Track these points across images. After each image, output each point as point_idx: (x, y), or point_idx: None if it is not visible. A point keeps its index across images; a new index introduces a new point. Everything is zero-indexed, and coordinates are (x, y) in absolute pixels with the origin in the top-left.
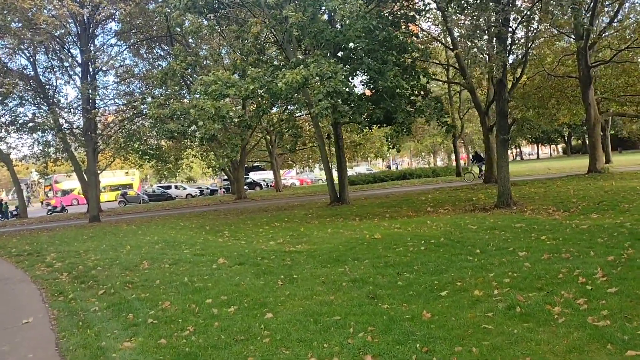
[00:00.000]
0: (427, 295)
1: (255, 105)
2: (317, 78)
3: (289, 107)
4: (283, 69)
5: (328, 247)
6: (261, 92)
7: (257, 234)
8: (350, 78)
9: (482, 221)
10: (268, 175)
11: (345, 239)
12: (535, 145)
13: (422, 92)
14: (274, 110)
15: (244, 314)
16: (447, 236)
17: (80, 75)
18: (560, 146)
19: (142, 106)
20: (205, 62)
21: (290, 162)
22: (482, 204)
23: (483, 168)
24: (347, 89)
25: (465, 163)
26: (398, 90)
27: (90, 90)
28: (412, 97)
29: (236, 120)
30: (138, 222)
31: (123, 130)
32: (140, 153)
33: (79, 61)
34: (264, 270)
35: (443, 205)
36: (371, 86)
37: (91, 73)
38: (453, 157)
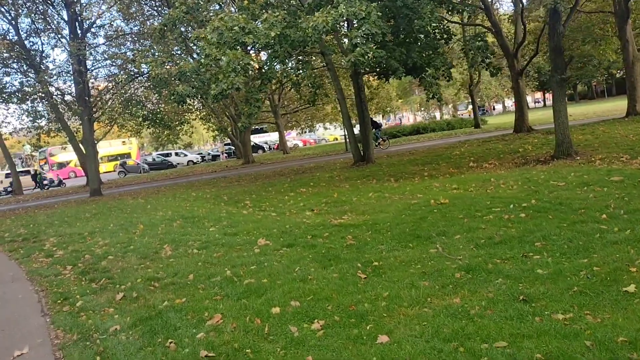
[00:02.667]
0: (608, 294)
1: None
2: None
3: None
4: (303, 12)
5: (385, 217)
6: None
7: (284, 203)
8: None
9: (559, 176)
10: (270, 137)
11: (402, 206)
12: (539, 93)
13: (445, 35)
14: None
15: (342, 336)
16: (536, 197)
17: (68, 37)
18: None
19: (142, 66)
20: (207, 9)
21: (294, 122)
22: (533, 155)
23: (379, 135)
24: (382, 32)
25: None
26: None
27: (80, 49)
28: (437, 41)
29: (255, 73)
30: (144, 194)
31: (118, 96)
32: (140, 119)
33: (66, 18)
34: (325, 254)
35: (486, 159)
36: (402, 28)
37: (80, 33)
38: (461, 109)
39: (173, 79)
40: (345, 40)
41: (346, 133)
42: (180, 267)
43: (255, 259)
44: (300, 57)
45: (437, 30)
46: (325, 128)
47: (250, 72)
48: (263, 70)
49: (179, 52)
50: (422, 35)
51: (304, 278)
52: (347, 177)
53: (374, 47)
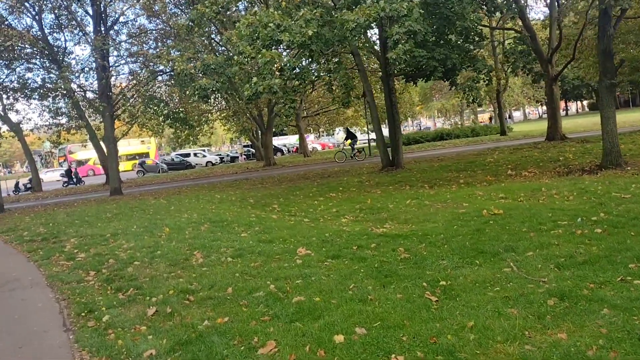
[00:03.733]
0: None
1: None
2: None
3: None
4: (337, 11)
5: (435, 227)
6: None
7: (315, 209)
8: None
9: (617, 187)
10: (288, 140)
11: (450, 215)
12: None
13: (477, 39)
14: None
15: None
16: (603, 210)
17: (92, 33)
18: (585, 102)
19: (167, 62)
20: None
21: (314, 125)
22: (576, 164)
23: (355, 146)
24: (424, 30)
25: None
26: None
27: (105, 43)
28: (469, 44)
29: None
30: (165, 194)
31: (140, 94)
32: (163, 117)
33: (91, 13)
34: (379, 269)
35: (525, 168)
36: (436, 28)
37: (103, 29)
38: (481, 116)
39: (198, 73)
40: (377, 40)
41: (375, 137)
42: (215, 278)
43: (299, 271)
44: (328, 58)
45: (472, 33)
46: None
47: (287, 72)
48: (297, 70)
49: (203, 51)
50: (459, 37)
51: (363, 298)
52: (377, 183)
53: (414, 46)
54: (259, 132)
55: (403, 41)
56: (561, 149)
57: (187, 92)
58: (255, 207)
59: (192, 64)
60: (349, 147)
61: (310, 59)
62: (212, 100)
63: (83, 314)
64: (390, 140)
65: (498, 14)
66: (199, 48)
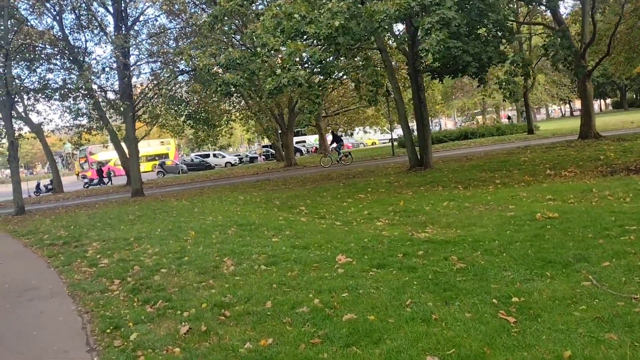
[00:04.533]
0: None
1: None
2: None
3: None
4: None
5: (485, 232)
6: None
7: (345, 211)
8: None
9: None
10: (307, 140)
11: (498, 219)
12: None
13: (507, 33)
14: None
15: None
16: None
17: (112, 33)
18: (609, 100)
19: (190, 58)
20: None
21: (334, 124)
22: (619, 163)
23: (342, 150)
24: (458, 18)
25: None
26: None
27: (126, 41)
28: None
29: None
30: (187, 195)
31: (162, 94)
32: (184, 117)
33: (112, 10)
34: (434, 281)
35: (564, 167)
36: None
37: (124, 28)
38: (503, 113)
39: (221, 68)
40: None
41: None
42: (251, 290)
43: (343, 282)
44: (354, 54)
45: (503, 27)
46: (365, 132)
47: (312, 65)
48: (323, 64)
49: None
50: (490, 31)
51: (426, 317)
52: (407, 183)
53: (448, 36)
54: (279, 132)
55: (436, 30)
56: (597, 147)
57: (210, 88)
58: (281, 209)
59: (214, 60)
60: (335, 151)
61: (337, 54)
62: (234, 98)
63: (108, 331)
64: (418, 139)
65: (524, 9)
66: (221, 45)
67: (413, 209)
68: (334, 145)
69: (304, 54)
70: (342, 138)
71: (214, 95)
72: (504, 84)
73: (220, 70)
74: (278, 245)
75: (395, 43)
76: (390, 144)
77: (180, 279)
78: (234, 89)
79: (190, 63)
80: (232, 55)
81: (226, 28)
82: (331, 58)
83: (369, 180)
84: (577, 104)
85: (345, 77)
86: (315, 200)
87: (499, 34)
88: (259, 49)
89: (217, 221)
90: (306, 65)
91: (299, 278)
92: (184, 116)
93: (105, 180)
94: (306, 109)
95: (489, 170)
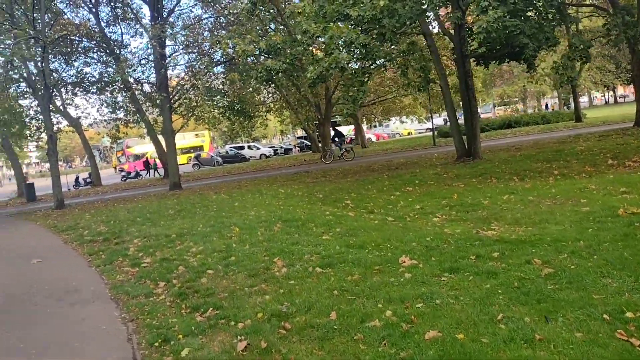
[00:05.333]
0: None
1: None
2: None
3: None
4: None
5: (563, 230)
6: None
7: (394, 205)
8: None
9: None
10: (344, 130)
11: (574, 215)
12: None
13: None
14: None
15: None
16: None
17: (148, 23)
18: None
19: (227, 45)
20: None
21: (371, 115)
22: None
23: (343, 145)
24: None
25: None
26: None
27: (163, 31)
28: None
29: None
30: (225, 188)
31: (199, 86)
32: (223, 109)
33: (147, 0)
34: (521, 289)
35: (627, 157)
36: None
37: (160, 19)
38: (545, 101)
39: (262, 54)
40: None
41: (450, 124)
42: (310, 297)
43: (414, 289)
44: (399, 39)
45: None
46: (402, 122)
47: (356, 49)
48: (370, 49)
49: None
50: (541, 13)
51: (526, 336)
52: (457, 175)
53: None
54: (315, 123)
55: (494, 8)
56: None
57: (250, 76)
58: (325, 202)
59: (253, 46)
60: (337, 146)
61: (382, 38)
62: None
63: (157, 344)
64: (465, 128)
65: None
66: (259, 33)
67: (470, 203)
68: (336, 140)
69: (347, 37)
70: (343, 133)
71: (249, 87)
72: (560, 69)
73: (260, 58)
74: (330, 243)
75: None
76: (427, 133)
77: (229, 281)
78: (275, 76)
79: (230, 51)
80: (273, 40)
81: (264, 14)
82: (376, 42)
83: (414, 171)
84: (621, 90)
85: (388, 63)
86: (360, 193)
87: (549, 16)
88: (299, 37)
89: (261, 216)
90: (350, 50)
91: (361, 283)
92: (221, 108)
93: (151, 172)
94: (350, 97)
95: (544, 161)
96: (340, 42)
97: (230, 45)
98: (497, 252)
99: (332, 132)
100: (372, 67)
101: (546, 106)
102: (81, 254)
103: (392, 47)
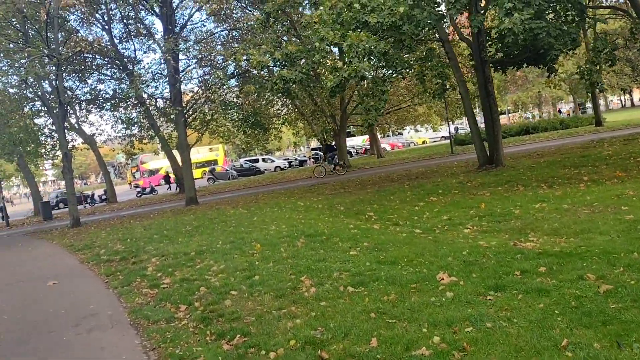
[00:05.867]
0: None
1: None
2: None
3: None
4: None
5: (609, 242)
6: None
7: (420, 216)
8: None
9: None
10: (354, 141)
11: (618, 224)
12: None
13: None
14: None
15: None
16: None
17: (161, 39)
18: None
19: (242, 56)
20: None
21: (385, 124)
22: None
23: (336, 159)
24: None
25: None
26: None
27: (177, 44)
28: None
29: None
30: (242, 202)
31: (214, 99)
32: (239, 122)
33: (159, 13)
34: (580, 309)
35: None
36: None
37: (173, 32)
38: (559, 107)
39: (277, 64)
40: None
41: (471, 131)
42: (345, 320)
43: (459, 311)
44: (418, 46)
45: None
46: (417, 130)
47: (375, 57)
48: (388, 56)
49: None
50: (561, 15)
51: None
52: (481, 183)
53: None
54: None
55: (519, 9)
56: None
57: (265, 87)
58: (348, 215)
59: (268, 56)
60: (329, 161)
61: (401, 44)
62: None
63: None
64: (487, 135)
65: None
66: (274, 44)
67: (500, 213)
68: (328, 154)
69: (366, 45)
70: (335, 147)
71: (262, 99)
72: (585, 74)
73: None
74: (359, 259)
75: (454, 35)
76: (442, 142)
77: (254, 303)
78: (291, 86)
79: (244, 64)
80: (289, 49)
81: (278, 26)
82: (394, 50)
83: (435, 181)
84: (637, 93)
85: (405, 71)
86: (383, 204)
87: (568, 17)
88: (317, 44)
89: (282, 231)
90: (370, 58)
91: (399, 304)
92: (239, 121)
93: (172, 186)
94: (372, 106)
95: (571, 166)
96: (359, 50)
97: (244, 58)
98: (543, 266)
99: (324, 147)
100: (393, 75)
101: (560, 111)
102: (98, 275)
103: (409, 54)
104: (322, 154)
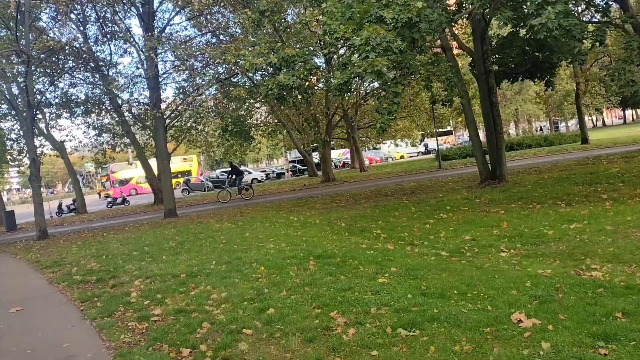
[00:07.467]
0: None
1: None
2: None
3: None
4: None
5: None
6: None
7: (436, 235)
8: None
9: None
10: (334, 154)
11: None
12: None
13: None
14: None
15: None
16: None
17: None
18: None
19: (233, 58)
20: None
21: (366, 137)
22: None
23: (240, 184)
24: None
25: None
26: None
27: (159, 43)
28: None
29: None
30: (225, 215)
31: (200, 104)
32: (220, 130)
33: (141, 11)
34: None
35: None
36: None
37: (155, 31)
38: (536, 125)
39: (271, 68)
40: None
41: (473, 144)
42: None
43: None
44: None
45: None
46: (396, 145)
47: (393, 54)
48: (405, 55)
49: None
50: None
51: None
52: (490, 200)
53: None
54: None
55: (551, 4)
56: None
57: (260, 92)
58: (352, 232)
59: (262, 59)
60: (233, 184)
61: (412, 45)
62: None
63: None
64: (489, 149)
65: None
66: (269, 45)
67: (529, 234)
68: (233, 177)
69: (384, 39)
70: (242, 171)
71: (241, 109)
72: (616, 74)
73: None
74: (395, 290)
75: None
76: (419, 157)
77: (279, 349)
78: (290, 92)
79: (234, 67)
80: (286, 52)
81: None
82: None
83: (437, 196)
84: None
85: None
86: (388, 221)
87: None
88: (326, 37)
89: (283, 250)
90: (388, 54)
91: (478, 355)
92: (218, 129)
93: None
94: (384, 109)
95: (583, 184)
96: (376, 45)
97: (234, 60)
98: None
99: (230, 169)
100: (406, 78)
101: (541, 129)
102: (71, 300)
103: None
104: (301, 167)
